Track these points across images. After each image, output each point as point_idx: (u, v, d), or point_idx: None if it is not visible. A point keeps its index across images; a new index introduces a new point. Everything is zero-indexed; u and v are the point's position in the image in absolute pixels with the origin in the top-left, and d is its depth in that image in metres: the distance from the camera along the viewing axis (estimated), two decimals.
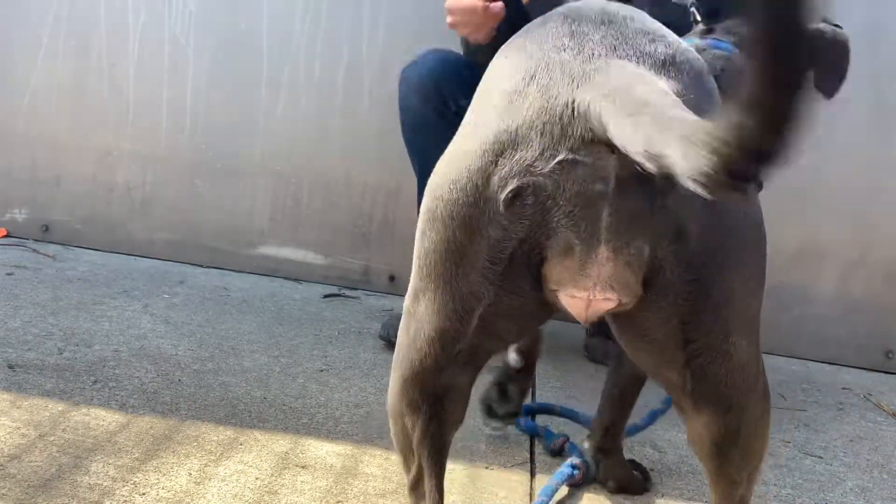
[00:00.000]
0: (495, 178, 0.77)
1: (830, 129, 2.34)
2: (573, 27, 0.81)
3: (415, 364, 0.89)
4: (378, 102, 2.42)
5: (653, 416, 1.48)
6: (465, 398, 0.93)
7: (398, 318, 2.02)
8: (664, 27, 0.87)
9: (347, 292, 2.50)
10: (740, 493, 0.93)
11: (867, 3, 2.30)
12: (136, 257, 2.59)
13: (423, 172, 1.97)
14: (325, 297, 2.41)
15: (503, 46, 0.91)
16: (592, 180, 0.74)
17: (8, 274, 2.22)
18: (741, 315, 0.84)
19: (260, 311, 2.18)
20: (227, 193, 2.61)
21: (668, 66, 0.78)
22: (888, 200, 2.36)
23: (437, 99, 1.87)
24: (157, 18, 2.58)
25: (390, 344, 1.95)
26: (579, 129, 0.73)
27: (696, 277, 0.79)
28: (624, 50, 0.78)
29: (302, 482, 1.29)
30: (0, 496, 1.14)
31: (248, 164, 2.59)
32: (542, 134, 0.74)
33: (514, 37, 0.91)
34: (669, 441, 1.62)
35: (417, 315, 0.88)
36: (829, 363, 2.37)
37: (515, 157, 0.76)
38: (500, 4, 1.64)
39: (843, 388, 2.09)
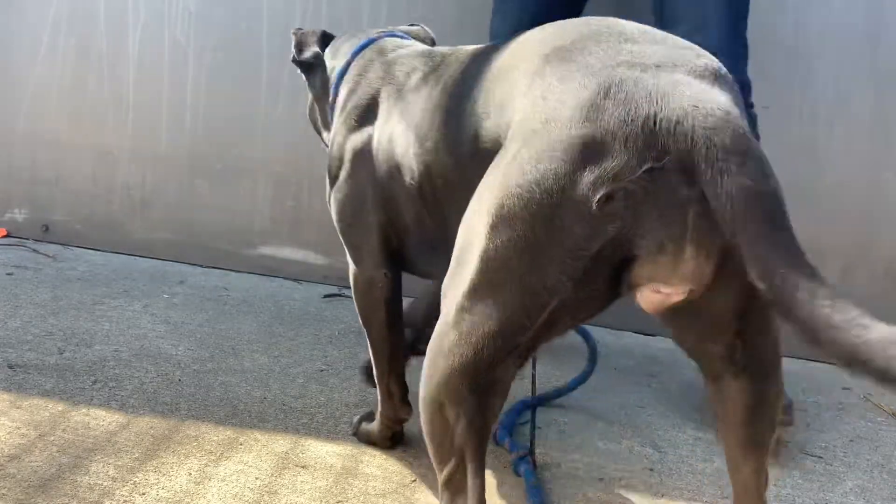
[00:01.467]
0: (584, 183, 0.81)
1: (830, 129, 2.34)
2: (630, 46, 0.88)
3: (466, 358, 0.91)
4: None
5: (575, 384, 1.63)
6: (507, 391, 0.96)
7: None
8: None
9: (347, 292, 2.49)
10: (764, 462, 1.00)
11: (867, 3, 2.30)
12: (136, 257, 2.60)
13: None
14: (325, 297, 2.41)
15: (549, 57, 0.91)
16: (679, 186, 0.79)
17: (8, 274, 2.22)
18: None
19: (260, 311, 2.18)
20: (227, 193, 2.61)
21: (718, 79, 0.86)
22: (888, 200, 2.36)
23: None
24: (157, 18, 2.58)
25: None
26: (662, 142, 0.79)
27: None
28: (683, 66, 0.85)
29: (302, 482, 1.29)
30: (0, 496, 1.14)
31: (248, 164, 2.59)
32: (625, 144, 0.80)
33: (552, 49, 0.92)
34: (669, 441, 1.62)
35: (476, 310, 0.90)
36: (830, 363, 2.36)
37: (602, 165, 0.80)
38: None
39: (843, 388, 2.09)
